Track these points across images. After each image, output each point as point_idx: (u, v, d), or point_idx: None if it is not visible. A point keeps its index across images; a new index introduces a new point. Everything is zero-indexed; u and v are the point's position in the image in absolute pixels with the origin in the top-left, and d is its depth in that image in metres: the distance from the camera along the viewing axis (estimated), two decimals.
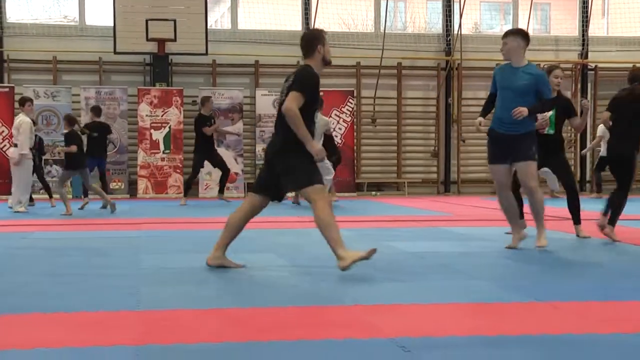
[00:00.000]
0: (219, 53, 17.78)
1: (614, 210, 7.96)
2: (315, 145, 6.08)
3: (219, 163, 14.73)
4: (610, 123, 8.15)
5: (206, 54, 17.17)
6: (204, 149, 14.48)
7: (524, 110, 7.01)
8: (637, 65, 18.78)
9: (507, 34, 7.49)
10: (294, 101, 5.97)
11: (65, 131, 12.48)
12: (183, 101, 17.29)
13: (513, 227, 7.51)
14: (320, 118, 12.44)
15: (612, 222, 7.91)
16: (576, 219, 8.28)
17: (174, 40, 16.86)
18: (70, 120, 12.50)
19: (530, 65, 7.46)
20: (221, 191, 14.82)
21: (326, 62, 6.24)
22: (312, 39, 6.25)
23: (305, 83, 6.05)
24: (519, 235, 7.44)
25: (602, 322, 4.29)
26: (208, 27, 17.39)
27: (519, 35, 7.46)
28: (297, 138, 5.99)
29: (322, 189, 6.16)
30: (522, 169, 7.24)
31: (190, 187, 14.84)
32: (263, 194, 6.30)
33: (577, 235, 8.23)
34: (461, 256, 7.07)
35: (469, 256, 7.07)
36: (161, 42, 16.93)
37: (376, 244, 8.02)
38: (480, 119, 7.40)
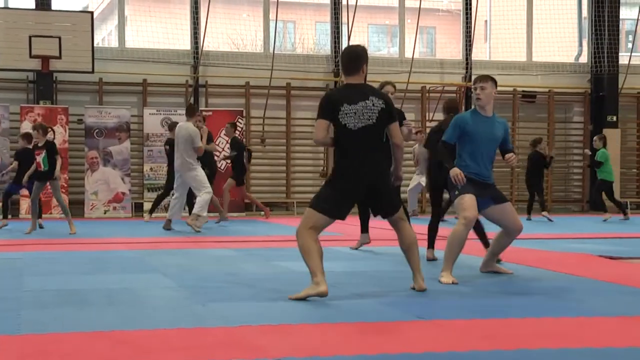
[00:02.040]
0: (106, 71, 17.49)
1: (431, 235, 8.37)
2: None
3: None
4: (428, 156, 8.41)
5: (92, 72, 16.86)
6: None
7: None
8: (517, 88, 19.53)
9: (485, 78, 6.97)
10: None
11: None
12: (68, 120, 16.90)
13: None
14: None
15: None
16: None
17: (59, 57, 16.47)
18: None
19: (494, 114, 7.04)
20: (152, 210, 14.84)
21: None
22: (358, 58, 5.92)
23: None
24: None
25: (484, 339, 4.39)
26: (94, 44, 17.08)
27: (494, 81, 7.00)
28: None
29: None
30: (511, 207, 7.04)
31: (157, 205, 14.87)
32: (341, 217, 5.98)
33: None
34: (349, 275, 7.14)
35: (356, 275, 7.15)
36: (45, 59, 16.51)
37: (265, 264, 8.04)
38: (459, 171, 6.73)
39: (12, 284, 6.52)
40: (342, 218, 5.92)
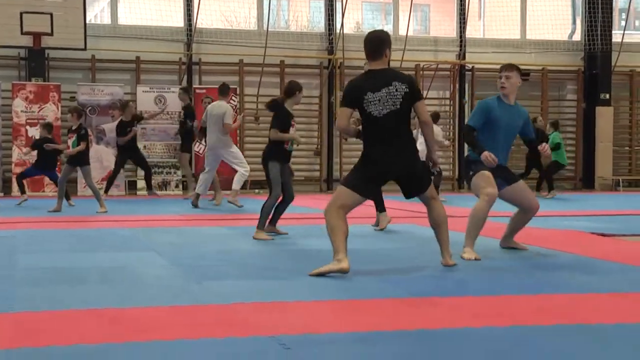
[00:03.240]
0: (99, 48, 17.42)
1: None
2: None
3: (141, 161, 14.95)
4: None
5: (85, 49, 16.78)
6: (127, 147, 14.67)
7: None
8: None
9: (510, 67, 7.09)
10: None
11: None
12: (60, 97, 16.85)
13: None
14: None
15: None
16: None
17: (51, 34, 16.38)
18: None
19: (517, 103, 7.19)
20: (149, 187, 14.92)
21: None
22: (381, 42, 6.00)
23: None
24: None
25: (476, 316, 4.42)
26: (87, 21, 17.00)
27: (519, 71, 7.16)
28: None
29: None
30: (524, 186, 7.19)
31: (111, 184, 14.86)
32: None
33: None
34: None
35: (351, 253, 7.15)
36: (37, 36, 16.42)
37: (258, 242, 8.06)
38: (489, 153, 6.71)
39: (5, 262, 6.53)
40: (370, 198, 6.24)
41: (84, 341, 3.79)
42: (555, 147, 16.25)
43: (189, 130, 15.05)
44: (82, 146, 11.85)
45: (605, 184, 19.83)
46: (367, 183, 6.00)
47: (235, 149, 12.90)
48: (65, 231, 9.16)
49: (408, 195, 6.22)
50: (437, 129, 14.44)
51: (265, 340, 3.83)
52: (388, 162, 5.93)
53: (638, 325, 4.20)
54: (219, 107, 12.65)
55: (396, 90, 5.89)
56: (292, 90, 8.57)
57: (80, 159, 11.97)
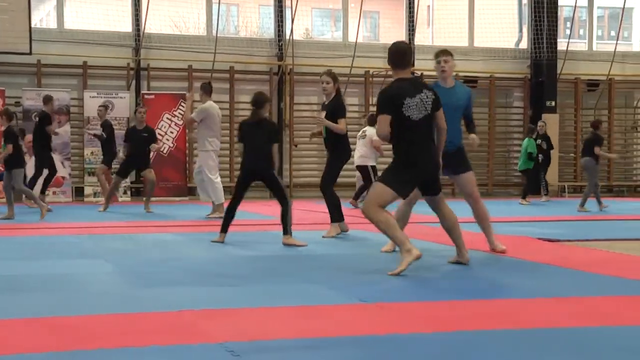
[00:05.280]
0: (45, 53, 17.19)
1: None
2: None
3: (51, 164, 14.61)
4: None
5: (30, 53, 16.55)
6: (47, 147, 14.37)
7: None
8: (459, 73, 19.71)
9: (447, 52, 7.43)
10: None
11: None
12: (5, 102, 16.56)
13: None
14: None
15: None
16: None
17: None
18: None
19: (457, 82, 7.58)
20: (42, 192, 14.51)
21: None
22: (410, 52, 6.46)
23: None
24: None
25: (425, 321, 4.43)
26: (32, 25, 16.77)
27: (452, 55, 7.48)
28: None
29: None
30: (467, 178, 7.44)
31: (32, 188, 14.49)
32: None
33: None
34: (290, 259, 7.14)
35: (298, 260, 7.16)
36: None
37: (207, 249, 8.01)
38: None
39: None
40: (405, 198, 6.61)
41: (26, 350, 3.71)
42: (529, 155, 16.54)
43: (106, 142, 14.90)
44: (8, 149, 11.61)
45: (551, 190, 20.10)
46: (405, 184, 6.34)
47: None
48: (9, 239, 9.00)
49: (426, 193, 6.60)
50: (373, 131, 14.39)
51: (213, 347, 3.79)
52: (425, 164, 6.35)
53: (582, 329, 4.25)
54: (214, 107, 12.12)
55: (427, 97, 6.34)
56: (261, 101, 8.44)
57: (10, 162, 11.73)
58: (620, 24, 21.33)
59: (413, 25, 19.91)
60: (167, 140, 17.46)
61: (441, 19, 20.88)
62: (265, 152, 8.28)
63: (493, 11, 20.68)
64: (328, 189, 9.21)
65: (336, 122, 9.03)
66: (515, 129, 21.09)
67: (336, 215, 9.16)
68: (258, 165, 8.30)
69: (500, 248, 7.51)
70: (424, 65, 19.78)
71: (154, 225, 10.91)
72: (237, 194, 8.47)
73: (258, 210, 13.33)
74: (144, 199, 13.79)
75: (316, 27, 21.68)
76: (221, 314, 4.62)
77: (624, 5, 20.82)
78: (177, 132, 17.68)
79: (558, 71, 20.48)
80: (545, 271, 6.50)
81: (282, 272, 6.34)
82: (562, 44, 20.70)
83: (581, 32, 23.26)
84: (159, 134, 15.77)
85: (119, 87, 17.80)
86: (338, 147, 9.19)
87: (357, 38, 18.88)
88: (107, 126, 14.96)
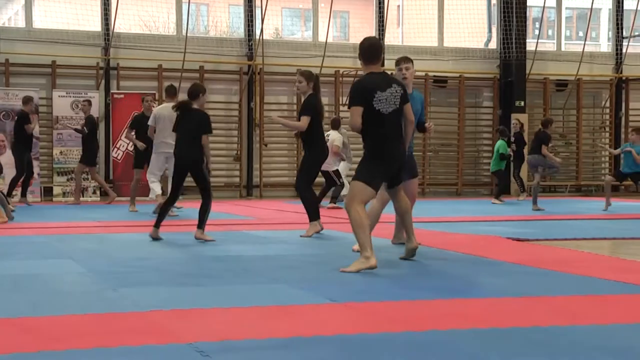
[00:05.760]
0: (13, 52, 17.03)
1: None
2: None
3: (30, 164, 14.59)
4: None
5: None
6: (27, 146, 14.34)
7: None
8: (429, 73, 19.80)
9: (408, 59, 7.76)
10: None
11: None
12: None
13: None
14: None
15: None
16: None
17: None
18: None
19: (414, 89, 7.91)
20: (23, 194, 14.63)
21: None
22: (380, 48, 6.62)
23: None
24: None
25: (395, 321, 4.46)
26: (0, 24, 16.61)
27: (413, 62, 7.86)
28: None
29: None
30: (415, 183, 7.86)
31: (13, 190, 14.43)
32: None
33: None
34: (261, 259, 7.14)
35: (268, 259, 7.16)
36: None
37: (176, 249, 7.99)
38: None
39: None
40: (377, 190, 6.56)
41: None
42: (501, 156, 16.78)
43: (87, 140, 14.93)
44: None
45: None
46: (377, 177, 6.41)
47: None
48: None
49: (390, 185, 6.68)
50: (335, 135, 14.43)
51: (183, 347, 3.79)
52: (395, 157, 6.47)
53: (552, 328, 4.29)
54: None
55: (396, 91, 6.48)
56: (196, 92, 8.61)
57: None
58: (588, 24, 21.54)
59: (383, 25, 19.95)
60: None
61: (411, 19, 20.93)
62: (193, 141, 8.42)
63: (462, 11, 20.78)
64: (306, 191, 9.21)
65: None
66: (484, 128, 21.22)
67: (313, 213, 9.15)
68: (185, 154, 8.50)
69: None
70: (393, 65, 19.86)
71: (121, 225, 10.85)
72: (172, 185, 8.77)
73: (229, 210, 13.30)
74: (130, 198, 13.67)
75: (286, 26, 21.66)
76: (191, 314, 4.62)
77: (592, 5, 21.02)
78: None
79: (527, 71, 20.63)
80: (515, 271, 6.55)
81: (252, 272, 6.34)
82: (531, 44, 20.83)
83: (550, 32, 23.48)
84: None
85: (88, 87, 17.68)
86: (313, 147, 9.22)
87: (327, 38, 18.89)
88: (90, 122, 14.89)
